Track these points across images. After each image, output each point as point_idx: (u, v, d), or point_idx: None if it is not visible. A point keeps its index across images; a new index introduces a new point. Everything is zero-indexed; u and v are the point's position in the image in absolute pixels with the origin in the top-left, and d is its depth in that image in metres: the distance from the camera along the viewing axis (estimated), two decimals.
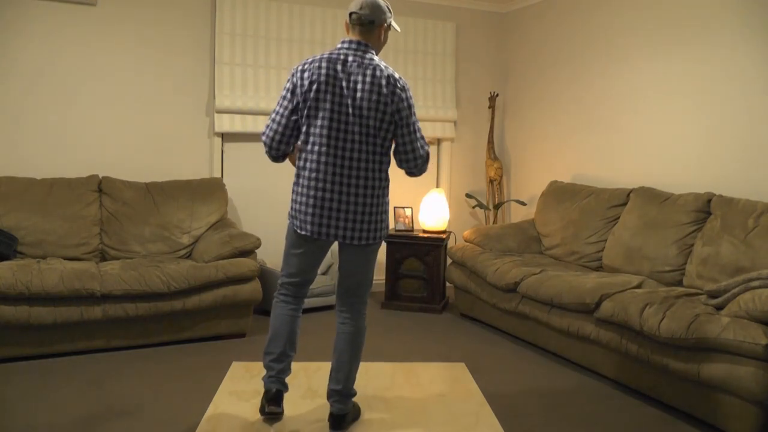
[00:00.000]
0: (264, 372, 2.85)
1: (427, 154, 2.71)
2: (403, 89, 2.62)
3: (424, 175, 5.49)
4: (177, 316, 3.85)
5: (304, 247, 2.73)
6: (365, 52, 2.64)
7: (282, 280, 2.84)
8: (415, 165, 2.69)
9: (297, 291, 2.83)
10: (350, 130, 2.58)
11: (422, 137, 2.70)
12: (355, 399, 2.94)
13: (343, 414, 2.76)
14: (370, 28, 2.65)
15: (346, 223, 2.61)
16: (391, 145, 2.69)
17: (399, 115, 2.61)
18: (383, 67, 2.62)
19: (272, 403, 2.76)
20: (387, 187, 2.70)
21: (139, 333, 3.79)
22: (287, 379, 2.87)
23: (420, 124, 2.77)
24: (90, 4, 4.40)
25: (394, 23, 2.75)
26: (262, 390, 2.85)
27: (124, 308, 3.66)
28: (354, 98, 2.57)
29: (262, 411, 2.82)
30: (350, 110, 2.58)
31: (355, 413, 2.89)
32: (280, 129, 2.63)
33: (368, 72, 2.58)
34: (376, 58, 2.65)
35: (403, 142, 2.65)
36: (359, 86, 2.57)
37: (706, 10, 3.93)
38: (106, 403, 3.05)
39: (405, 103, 2.61)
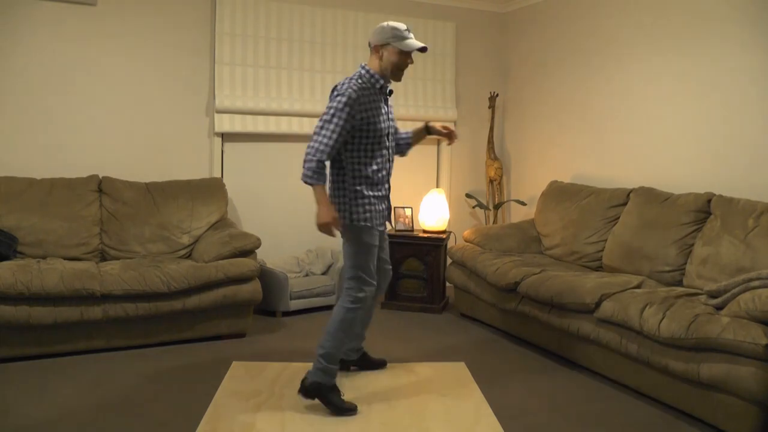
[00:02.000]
0: None
1: (311, 154, 2.83)
2: (336, 91, 2.92)
3: (424, 175, 5.64)
4: (177, 316, 3.85)
5: None
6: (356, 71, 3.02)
7: None
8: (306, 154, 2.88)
9: None
10: None
11: (319, 137, 2.85)
12: (355, 399, 2.98)
13: (308, 380, 2.95)
14: (370, 50, 3.01)
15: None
16: (345, 141, 2.92)
17: None
18: (347, 78, 2.96)
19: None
20: (349, 176, 2.96)
21: (139, 333, 3.79)
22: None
23: (325, 131, 2.86)
24: (90, 4, 4.39)
25: (402, 44, 2.93)
26: (260, 389, 2.92)
27: (124, 308, 3.66)
28: None
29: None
30: None
31: (332, 399, 2.95)
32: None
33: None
34: (357, 73, 2.98)
35: None
36: None
37: (706, 10, 3.93)
38: (107, 403, 3.05)
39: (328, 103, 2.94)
